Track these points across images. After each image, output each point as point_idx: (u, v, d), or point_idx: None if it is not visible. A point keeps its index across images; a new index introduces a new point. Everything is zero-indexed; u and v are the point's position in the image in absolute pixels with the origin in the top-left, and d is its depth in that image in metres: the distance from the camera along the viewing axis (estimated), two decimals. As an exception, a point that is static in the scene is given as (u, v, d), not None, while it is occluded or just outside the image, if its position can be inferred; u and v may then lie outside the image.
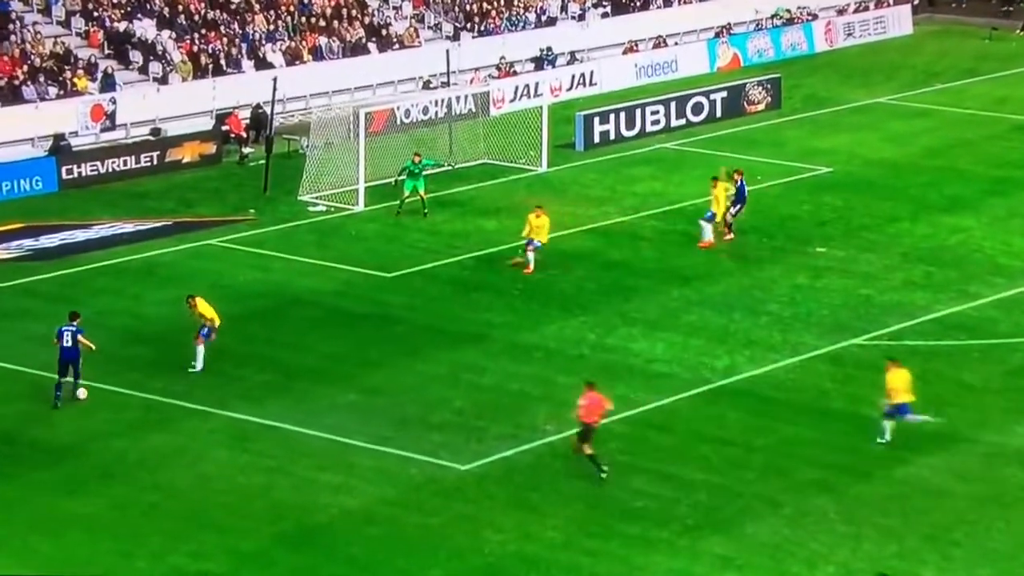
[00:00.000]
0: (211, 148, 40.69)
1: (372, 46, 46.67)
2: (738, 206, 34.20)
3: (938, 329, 29.69)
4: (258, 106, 41.69)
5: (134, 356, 28.18)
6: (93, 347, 26.10)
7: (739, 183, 34.29)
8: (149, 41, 43.64)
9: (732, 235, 33.94)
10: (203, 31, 44.57)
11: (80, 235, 35.03)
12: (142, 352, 28.36)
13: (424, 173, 35.85)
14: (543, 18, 49.85)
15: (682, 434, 25.40)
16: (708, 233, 33.67)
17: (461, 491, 23.52)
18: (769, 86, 45.33)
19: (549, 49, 48.13)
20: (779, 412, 26.21)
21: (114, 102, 41.29)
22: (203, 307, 27.41)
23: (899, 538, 22.32)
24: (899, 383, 24.95)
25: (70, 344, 25.57)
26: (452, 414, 25.92)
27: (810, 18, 52.84)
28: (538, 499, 23.25)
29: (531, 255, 31.97)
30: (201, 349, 27.30)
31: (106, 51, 43.43)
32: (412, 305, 29.66)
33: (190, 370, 27.18)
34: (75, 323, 25.91)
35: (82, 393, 25.99)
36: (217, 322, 27.28)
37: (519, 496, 23.18)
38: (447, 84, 44.69)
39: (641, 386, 27.10)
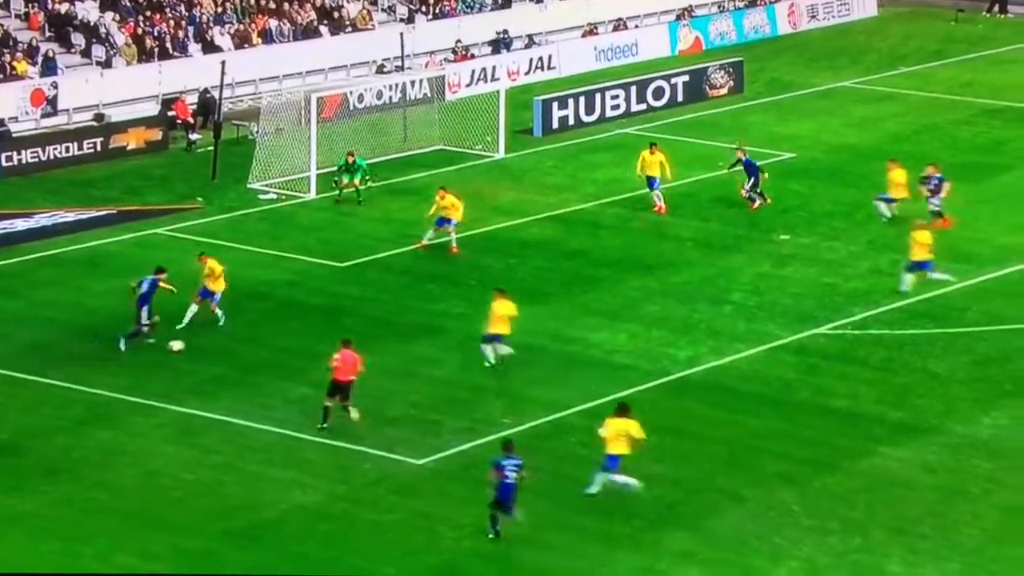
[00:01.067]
0: (157, 134, 40.44)
1: (324, 29, 46.49)
2: (752, 179, 34.98)
3: (904, 318, 29.92)
4: (206, 91, 41.47)
5: (79, 350, 28.00)
6: (174, 289, 27.83)
7: (744, 159, 35.20)
8: (92, 23, 43.31)
9: (759, 202, 35.09)
10: (148, 13, 44.25)
11: (21, 224, 34.74)
12: (87, 346, 28.18)
13: (357, 169, 35.83)
14: (500, 1, 49.85)
15: (645, 426, 25.41)
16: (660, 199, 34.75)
17: (416, 486, 23.51)
18: (731, 70, 45.51)
19: (506, 32, 48.13)
20: (743, 404, 26.36)
21: (55, 87, 40.95)
22: (213, 267, 28.16)
23: (864, 531, 22.49)
24: (924, 240, 28.58)
25: (146, 290, 27.52)
26: (407, 408, 25.90)
27: (773, 0, 53.10)
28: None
29: (453, 236, 31.99)
30: (194, 308, 28.04)
31: (47, 34, 43.05)
32: (365, 296, 29.62)
33: (178, 327, 27.88)
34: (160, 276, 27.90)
35: (176, 345, 27.49)
36: (221, 288, 28.28)
37: (476, 491, 23.19)
38: (401, 68, 44.60)
39: (602, 378, 27.17)
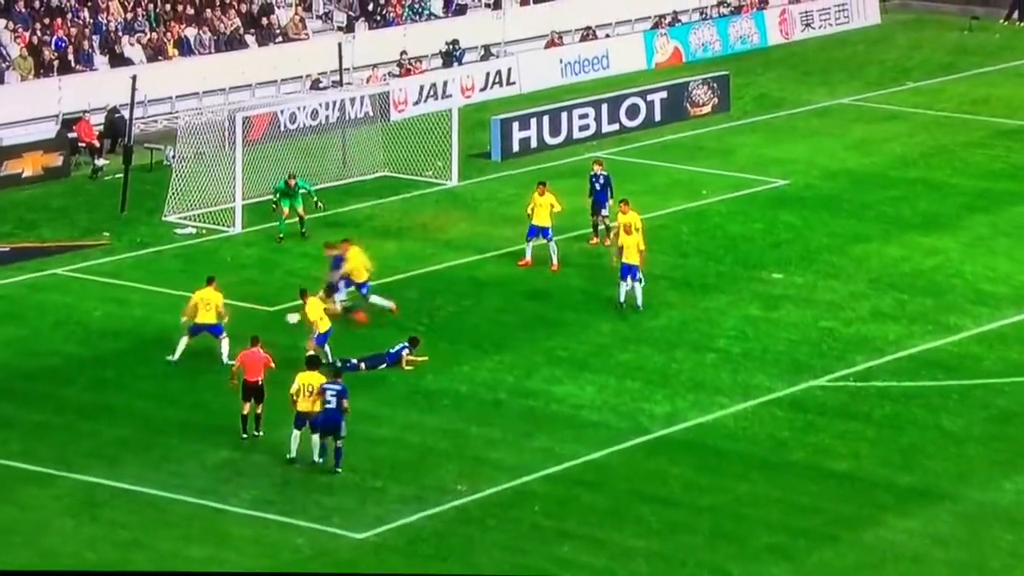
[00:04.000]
0: (57, 160, 40.27)
1: (250, 39, 46.53)
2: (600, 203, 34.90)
3: (912, 367, 30.02)
4: (114, 110, 41.34)
5: (-38, 409, 27.72)
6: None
7: (596, 175, 35.09)
8: (-18, 32, 43.19)
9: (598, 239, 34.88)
10: (46, 20, 44.15)
11: (-102, 264, 34.47)
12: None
13: (300, 193, 35.75)
14: (451, 6, 50.05)
15: (617, 493, 25.41)
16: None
17: (356, 564, 23.37)
18: (716, 85, 45.80)
19: (458, 43, 48.31)
20: (729, 466, 26.33)
21: (-61, 105, 40.80)
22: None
23: (869, 612, 22.53)
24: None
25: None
26: (345, 473, 25.77)
27: (762, 6, 53.55)
28: (447, 572, 23.12)
29: (379, 300, 31.08)
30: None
31: (-70, 44, 42.91)
32: (296, 344, 29.48)
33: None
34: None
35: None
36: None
37: (425, 569, 23.03)
38: (339, 84, 44.66)
39: (568, 437, 27.11)
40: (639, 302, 31.97)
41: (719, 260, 34.96)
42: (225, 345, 29.11)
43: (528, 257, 34.26)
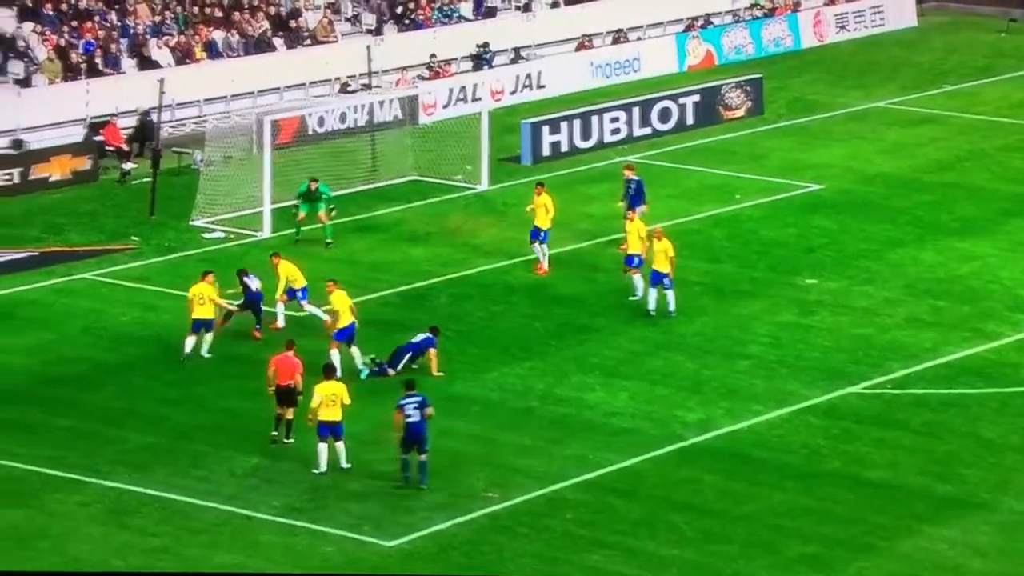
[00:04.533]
0: (85, 164, 40.41)
1: (279, 41, 46.62)
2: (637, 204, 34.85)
3: (950, 375, 29.86)
4: (146, 113, 41.44)
5: (-10, 414, 27.84)
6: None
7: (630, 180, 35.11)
8: (8, 35, 43.36)
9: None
10: (74, 23, 44.34)
11: (-75, 268, 34.65)
12: None
13: (322, 199, 35.72)
14: (481, 9, 50.06)
15: (650, 501, 25.35)
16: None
17: (386, 572, 23.35)
18: (749, 88, 45.67)
19: (486, 45, 48.32)
20: (763, 475, 26.24)
21: (-34, 108, 40.99)
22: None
23: (906, 624, 22.42)
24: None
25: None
26: (374, 480, 25.76)
27: (795, 8, 53.40)
28: (478, 582, 23.15)
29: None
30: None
31: (-42, 47, 43.11)
32: (324, 349, 29.50)
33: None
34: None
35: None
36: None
37: (455, 578, 23.07)
38: (368, 87, 44.71)
39: (600, 444, 27.05)
40: (671, 308, 31.89)
41: (752, 265, 34.86)
42: (208, 338, 29.40)
43: (544, 261, 34.08)
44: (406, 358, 29.25)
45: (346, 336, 29.18)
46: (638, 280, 32.41)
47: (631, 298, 32.45)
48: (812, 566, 23.70)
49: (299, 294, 31.24)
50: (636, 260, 32.47)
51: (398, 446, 25.29)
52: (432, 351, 29.32)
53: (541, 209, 34.14)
